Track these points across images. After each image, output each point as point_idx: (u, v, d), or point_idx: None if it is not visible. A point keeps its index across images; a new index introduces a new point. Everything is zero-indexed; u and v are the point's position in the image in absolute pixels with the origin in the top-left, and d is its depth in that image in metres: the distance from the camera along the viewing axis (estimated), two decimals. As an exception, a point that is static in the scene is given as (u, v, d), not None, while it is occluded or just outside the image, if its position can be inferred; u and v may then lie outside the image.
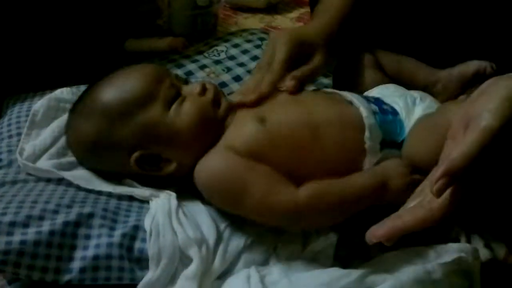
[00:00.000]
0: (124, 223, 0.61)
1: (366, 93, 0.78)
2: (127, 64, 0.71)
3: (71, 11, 0.99)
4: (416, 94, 0.73)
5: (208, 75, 0.98)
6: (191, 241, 0.58)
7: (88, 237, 0.59)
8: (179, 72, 0.98)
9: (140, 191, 0.65)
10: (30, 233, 0.58)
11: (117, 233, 0.59)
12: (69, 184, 0.65)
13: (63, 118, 0.74)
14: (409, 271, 0.53)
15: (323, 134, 0.64)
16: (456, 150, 0.48)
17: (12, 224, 0.58)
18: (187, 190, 0.65)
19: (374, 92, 0.78)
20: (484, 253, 0.58)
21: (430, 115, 0.65)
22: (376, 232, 0.51)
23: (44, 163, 0.68)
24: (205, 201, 0.65)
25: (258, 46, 1.06)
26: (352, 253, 0.62)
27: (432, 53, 0.85)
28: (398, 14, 0.86)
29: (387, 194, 0.61)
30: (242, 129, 0.64)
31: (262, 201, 0.59)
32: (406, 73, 0.84)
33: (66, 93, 0.80)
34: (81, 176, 0.66)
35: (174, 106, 0.65)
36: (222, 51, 1.05)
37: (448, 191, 0.48)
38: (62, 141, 0.71)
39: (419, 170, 0.60)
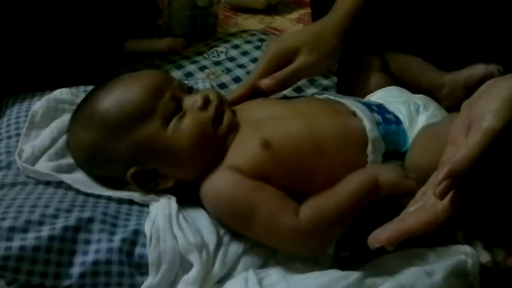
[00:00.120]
0: (124, 227, 0.61)
1: (368, 96, 0.78)
2: (126, 64, 0.70)
3: (71, 12, 0.99)
4: (419, 101, 0.72)
5: (207, 76, 0.98)
6: (192, 246, 0.58)
7: (87, 242, 0.59)
8: (179, 73, 0.98)
9: (140, 195, 0.64)
10: (30, 239, 0.57)
11: (117, 238, 0.59)
12: (69, 187, 0.65)
13: (62, 118, 0.74)
14: (409, 273, 0.53)
15: (328, 154, 0.63)
16: (459, 152, 0.47)
17: (12, 229, 0.58)
18: (186, 195, 0.65)
19: (376, 96, 0.77)
20: (483, 256, 0.58)
21: (434, 125, 0.65)
22: (379, 236, 0.50)
23: (43, 165, 0.68)
24: (204, 206, 0.64)
25: (258, 47, 1.06)
26: (351, 255, 0.62)
27: (439, 54, 0.83)
28: (405, 15, 0.85)
29: (381, 188, 0.59)
30: (245, 150, 0.63)
31: (268, 221, 0.58)
32: (412, 75, 0.83)
33: (65, 94, 0.79)
34: (81, 179, 0.66)
35: (173, 122, 0.63)
36: (222, 52, 1.05)
37: (451, 193, 0.48)
38: (61, 141, 0.71)
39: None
